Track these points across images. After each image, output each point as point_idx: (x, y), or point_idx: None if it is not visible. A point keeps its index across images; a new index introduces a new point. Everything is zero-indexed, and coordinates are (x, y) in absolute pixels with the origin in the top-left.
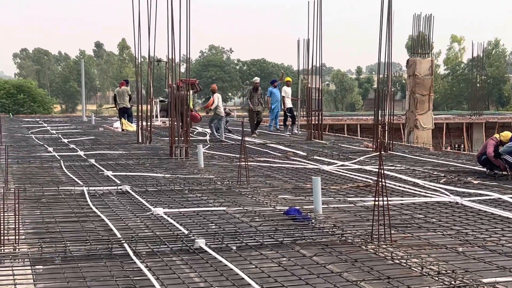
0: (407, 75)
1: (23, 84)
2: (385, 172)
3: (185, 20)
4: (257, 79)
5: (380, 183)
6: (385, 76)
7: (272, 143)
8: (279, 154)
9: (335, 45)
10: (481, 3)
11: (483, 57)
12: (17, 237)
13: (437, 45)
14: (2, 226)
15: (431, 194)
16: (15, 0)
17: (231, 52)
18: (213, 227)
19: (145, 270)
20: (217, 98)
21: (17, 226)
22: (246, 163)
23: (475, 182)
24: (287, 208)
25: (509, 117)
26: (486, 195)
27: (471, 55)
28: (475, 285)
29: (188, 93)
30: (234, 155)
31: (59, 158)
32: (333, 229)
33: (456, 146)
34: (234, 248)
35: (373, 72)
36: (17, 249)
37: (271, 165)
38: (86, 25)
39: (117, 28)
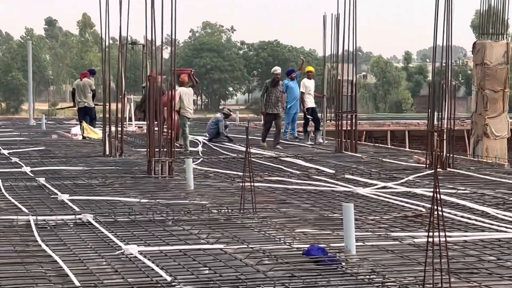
0: (473, 63)
1: None
2: (443, 197)
3: None
4: (277, 70)
5: (436, 213)
6: (444, 65)
7: (288, 157)
8: (298, 172)
9: (375, 23)
10: None
11: None
12: None
13: None
14: None
15: (506, 227)
16: None
17: (232, 32)
18: (206, 272)
19: None
20: (178, 93)
21: None
22: (252, 183)
23: None
24: (308, 246)
25: None
26: None
27: None
28: None
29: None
30: (236, 172)
31: None
32: (371, 276)
33: None
34: None
35: (427, 60)
36: None
37: (287, 186)
38: None
39: None
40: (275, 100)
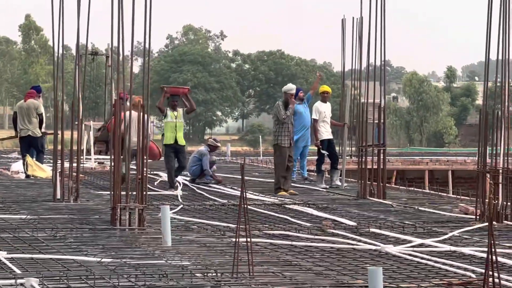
0: None
1: None
2: (500, 259)
3: None
4: (291, 88)
5: (491, 280)
6: (499, 84)
7: (295, 204)
8: (308, 224)
9: (408, 31)
10: None
11: None
12: None
13: None
14: None
15: None
16: None
17: (222, 39)
18: None
19: None
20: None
21: None
22: (249, 239)
23: None
24: None
25: None
26: None
27: None
28: None
29: (174, 112)
30: (227, 224)
31: None
32: None
33: None
34: None
35: (476, 78)
36: None
37: (293, 243)
38: None
39: None
40: (292, 129)
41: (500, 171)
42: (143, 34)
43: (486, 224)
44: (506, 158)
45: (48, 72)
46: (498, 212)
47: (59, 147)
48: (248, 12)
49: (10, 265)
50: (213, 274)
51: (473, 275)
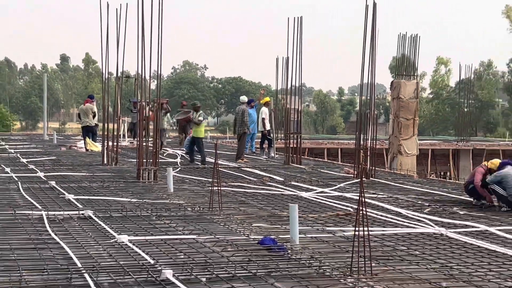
0: (391, 97)
1: None
2: (367, 200)
3: (157, 34)
4: (244, 99)
5: (361, 212)
6: (368, 98)
7: (247, 167)
8: (255, 179)
9: (316, 65)
10: (471, 24)
11: (473, 79)
12: None
13: (423, 67)
14: None
15: (414, 224)
16: None
17: (205, 69)
18: (182, 256)
19: None
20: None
21: None
22: (219, 188)
23: (461, 212)
24: (262, 237)
25: (498, 144)
26: (473, 226)
27: (459, 77)
28: None
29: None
30: (206, 179)
31: (16, 179)
32: (310, 261)
33: (442, 173)
34: (204, 280)
35: (356, 94)
36: None
37: (246, 190)
38: (50, 36)
39: (84, 41)
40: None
41: (368, 148)
42: (157, 64)
43: (359, 180)
44: (371, 141)
45: (100, 88)
46: (367, 173)
47: (106, 133)
48: (222, 52)
49: (76, 202)
50: (197, 209)
51: (351, 209)
